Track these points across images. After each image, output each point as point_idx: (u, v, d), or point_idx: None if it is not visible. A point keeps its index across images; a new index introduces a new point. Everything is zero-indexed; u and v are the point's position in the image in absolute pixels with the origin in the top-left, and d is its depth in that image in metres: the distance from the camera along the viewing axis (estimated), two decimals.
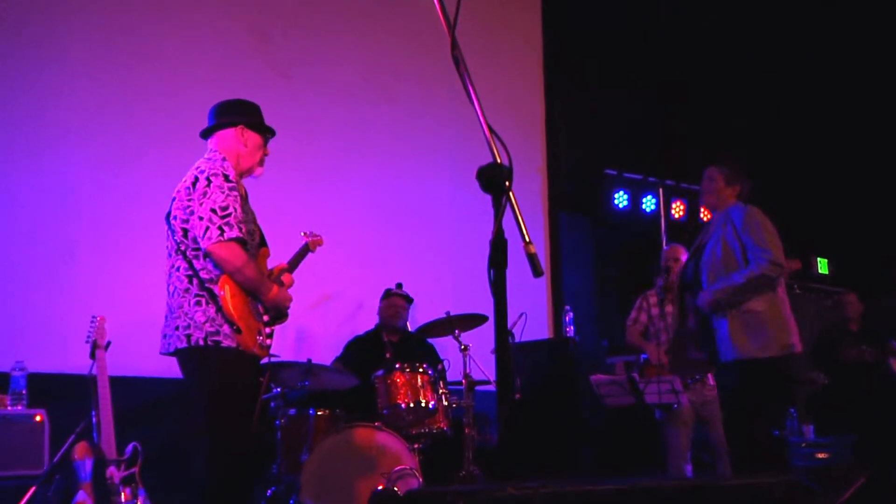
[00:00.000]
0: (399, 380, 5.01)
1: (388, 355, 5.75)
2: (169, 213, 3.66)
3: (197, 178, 3.57)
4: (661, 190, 8.55)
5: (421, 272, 6.83)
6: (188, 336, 3.51)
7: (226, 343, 3.49)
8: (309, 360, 4.89)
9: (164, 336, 3.63)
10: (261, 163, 3.85)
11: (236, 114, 3.83)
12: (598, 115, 8.35)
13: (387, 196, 6.98)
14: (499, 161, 2.11)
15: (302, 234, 4.42)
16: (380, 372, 5.10)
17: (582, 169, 8.47)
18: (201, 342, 3.48)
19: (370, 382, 5.14)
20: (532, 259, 2.07)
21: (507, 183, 2.07)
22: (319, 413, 4.98)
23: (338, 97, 6.84)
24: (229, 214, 3.49)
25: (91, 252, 5.71)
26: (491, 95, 7.10)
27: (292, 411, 4.99)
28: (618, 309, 7.61)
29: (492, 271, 2.05)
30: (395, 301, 5.97)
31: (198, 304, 3.52)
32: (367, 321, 6.19)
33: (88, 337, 4.62)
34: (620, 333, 6.33)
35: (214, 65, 6.28)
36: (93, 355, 4.58)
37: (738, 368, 4.35)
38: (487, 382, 5.41)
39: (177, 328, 3.54)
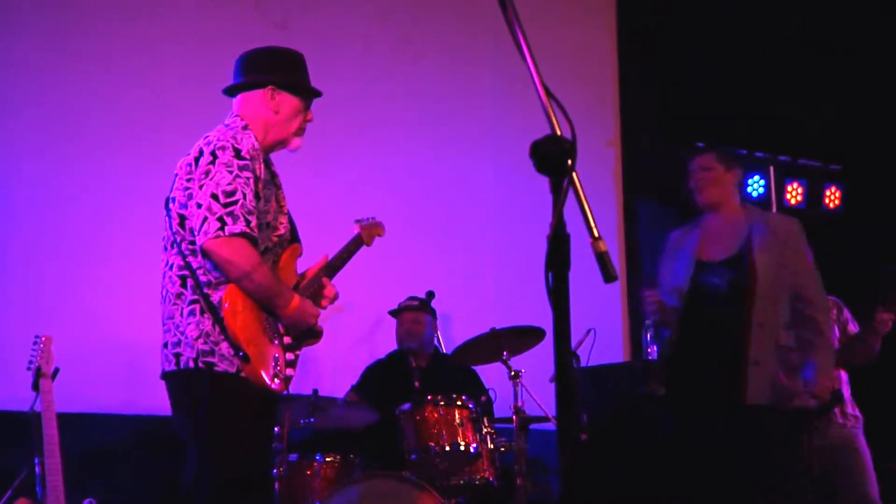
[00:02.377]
0: (431, 416, 5.04)
1: (416, 384, 5.78)
2: (168, 198, 3.58)
3: (201, 152, 3.47)
4: (771, 168, 8.49)
5: (458, 278, 6.85)
6: (177, 356, 3.44)
7: (221, 367, 3.38)
8: (315, 392, 4.94)
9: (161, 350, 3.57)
10: (298, 132, 3.75)
11: (265, 69, 3.72)
12: (686, 70, 8.31)
13: (411, 180, 7.01)
14: (558, 133, 2.12)
15: (355, 221, 4.30)
16: (406, 406, 5.13)
17: (667, 142, 8.43)
18: (191, 364, 3.39)
19: (394, 419, 5.17)
20: (602, 259, 2.07)
21: (569, 161, 2.08)
22: (328, 459, 5.02)
23: (346, 52, 6.88)
24: (235, 202, 3.36)
25: (30, 259, 5.82)
26: (548, 48, 7.14)
27: (293, 457, 5.04)
28: None
29: (550, 275, 2.06)
30: (407, 317, 6.01)
31: (191, 314, 3.42)
32: (389, 341, 6.22)
33: (30, 363, 4.68)
34: None
35: (195, 12, 6.37)
36: (36, 386, 4.64)
37: None
38: (546, 419, 5.42)
39: (165, 344, 3.49)
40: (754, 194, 8.45)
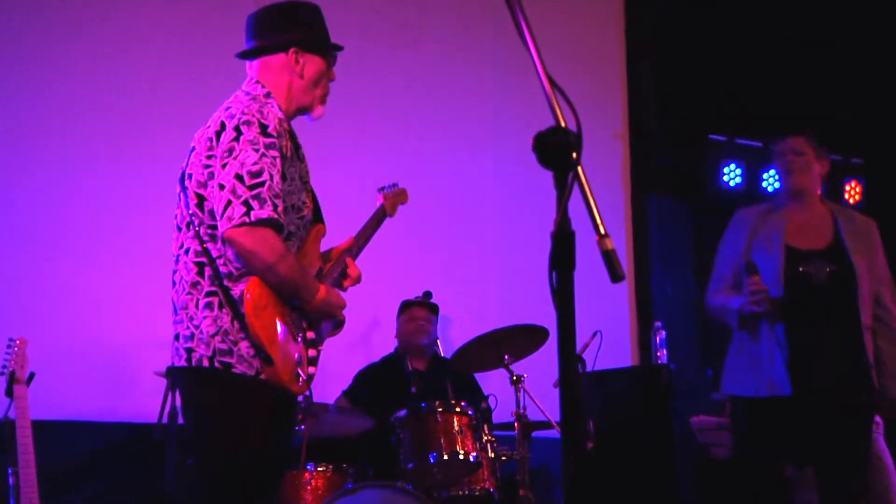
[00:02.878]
0: (428, 423, 5.04)
1: (413, 389, 5.79)
2: (184, 172, 3.43)
3: (223, 125, 3.31)
4: None
5: (456, 278, 6.86)
6: (188, 351, 3.31)
7: (240, 368, 3.25)
8: (306, 397, 4.93)
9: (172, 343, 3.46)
10: (323, 99, 3.60)
11: (285, 28, 3.54)
12: (699, 58, 8.32)
13: (406, 174, 6.96)
14: (563, 125, 2.13)
15: (378, 190, 4.17)
16: (402, 412, 5.13)
17: (678, 134, 8.44)
18: (205, 363, 3.27)
19: (389, 426, 5.17)
20: (609, 258, 2.08)
21: (574, 154, 2.09)
22: (320, 469, 5.03)
23: (339, 37, 6.86)
24: (262, 184, 3.19)
25: (4, 259, 5.83)
26: (552, 35, 7.15)
27: None
28: (728, 326, 7.57)
29: (554, 275, 2.07)
30: (416, 312, 6.02)
31: (208, 307, 3.29)
32: (385, 343, 6.23)
33: (4, 367, 4.68)
34: None
35: (194, 5, 6.40)
36: (9, 392, 4.64)
37: None
38: (549, 426, 5.43)
39: (176, 336, 3.36)
40: (770, 189, 8.46)
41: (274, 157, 3.26)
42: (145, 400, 5.55)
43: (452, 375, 5.90)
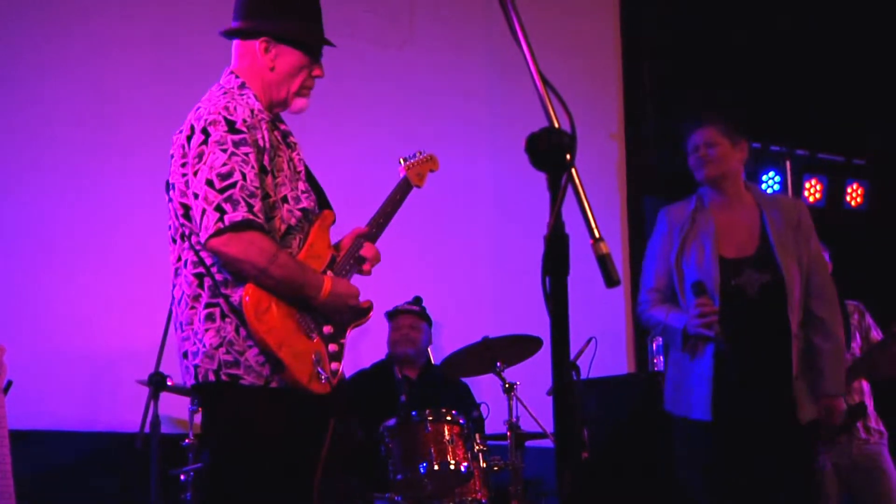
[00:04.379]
0: (418, 433, 5.04)
1: (403, 398, 5.79)
2: (167, 182, 3.35)
3: (193, 129, 3.22)
4: (788, 163, 8.52)
5: (448, 283, 6.86)
6: (195, 368, 3.21)
7: (248, 380, 3.18)
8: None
9: (180, 360, 3.36)
10: (301, 91, 3.46)
11: (263, 14, 3.39)
12: (696, 57, 8.33)
13: (395, 176, 7.00)
14: (557, 126, 2.13)
15: (400, 161, 3.98)
16: (391, 421, 5.13)
17: (674, 135, 8.44)
18: (211, 377, 3.18)
19: (378, 436, 5.17)
20: (604, 262, 2.08)
21: (568, 156, 2.09)
22: None
23: (329, 36, 6.87)
24: (233, 185, 3.12)
25: None
26: (545, 34, 7.14)
27: None
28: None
29: (547, 280, 2.07)
30: (405, 321, 6.01)
31: (209, 318, 3.20)
32: (374, 351, 6.23)
33: None
34: None
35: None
36: None
37: None
38: (543, 436, 5.43)
39: (184, 354, 3.26)
40: (769, 191, 8.47)
41: (246, 154, 3.18)
42: (126, 409, 5.56)
43: (443, 383, 5.90)
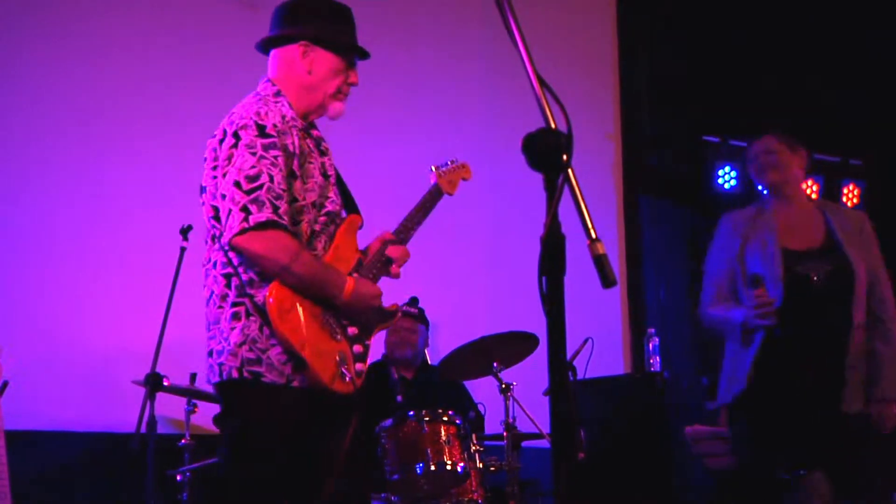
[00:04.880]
0: (415, 433, 5.03)
1: (399, 398, 5.78)
2: (201, 185, 3.45)
3: (225, 133, 3.32)
4: None
5: (444, 283, 6.86)
6: (220, 366, 3.29)
7: (269, 378, 3.24)
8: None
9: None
10: (338, 96, 3.55)
11: (298, 20, 3.51)
12: (692, 58, 8.34)
13: (395, 175, 7.01)
14: (553, 126, 2.13)
15: (432, 168, 4.04)
16: (388, 422, 5.12)
17: (672, 135, 8.45)
18: (234, 374, 3.25)
19: (374, 436, 5.17)
20: (600, 263, 2.08)
21: (564, 156, 2.09)
22: None
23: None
24: (260, 187, 3.20)
25: None
26: (542, 33, 7.11)
27: None
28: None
29: (544, 280, 2.07)
30: (403, 324, 6.00)
31: (235, 317, 3.28)
32: (372, 352, 6.22)
33: None
34: None
35: None
36: None
37: None
38: (540, 436, 5.42)
39: (210, 353, 3.35)
40: (766, 191, 8.47)
41: (274, 157, 3.26)
42: (123, 410, 5.55)
43: (439, 384, 5.90)
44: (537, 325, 2.12)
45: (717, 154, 8.42)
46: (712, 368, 7.72)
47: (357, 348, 3.41)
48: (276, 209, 3.20)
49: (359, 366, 3.40)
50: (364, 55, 3.61)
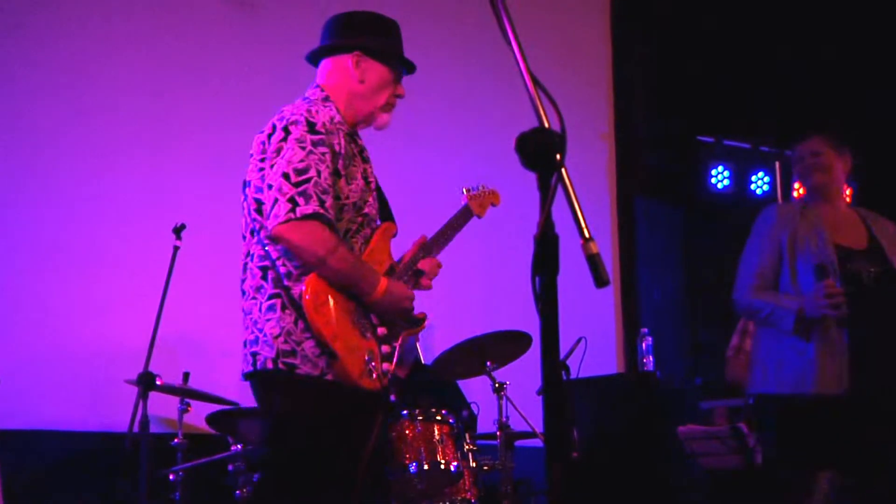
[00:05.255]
0: (408, 432, 5.03)
1: (392, 397, 5.78)
2: (245, 181, 3.52)
3: (274, 128, 3.41)
4: (777, 164, 8.53)
5: (437, 283, 6.84)
6: (254, 356, 3.36)
7: (304, 369, 3.31)
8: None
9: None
10: (386, 108, 3.67)
11: (352, 32, 3.63)
12: (687, 58, 8.34)
13: (386, 174, 7.00)
14: (547, 125, 2.13)
15: (463, 190, 4.20)
16: None
17: (665, 135, 8.46)
18: (269, 364, 3.32)
19: (354, 431, 5.16)
20: (594, 262, 2.08)
21: (558, 156, 2.09)
22: None
23: (318, 34, 6.87)
24: (308, 180, 3.28)
25: None
26: (536, 32, 7.11)
27: (258, 476, 5.03)
28: (716, 333, 7.60)
29: (537, 280, 2.07)
30: None
31: (271, 309, 3.35)
32: None
33: None
34: (720, 367, 6.32)
35: None
36: None
37: None
38: (533, 435, 5.43)
39: (244, 343, 3.42)
40: (759, 192, 8.49)
41: (322, 154, 3.34)
42: (116, 409, 5.54)
43: (433, 383, 5.90)
44: (531, 324, 2.11)
45: (710, 154, 8.43)
46: (705, 368, 7.74)
47: (385, 348, 3.47)
48: (322, 203, 3.28)
49: (385, 365, 3.46)
50: (411, 69, 3.72)
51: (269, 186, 3.31)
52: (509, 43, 2.19)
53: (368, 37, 3.63)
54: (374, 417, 3.50)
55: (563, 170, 2.08)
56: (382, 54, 3.62)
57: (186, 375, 5.31)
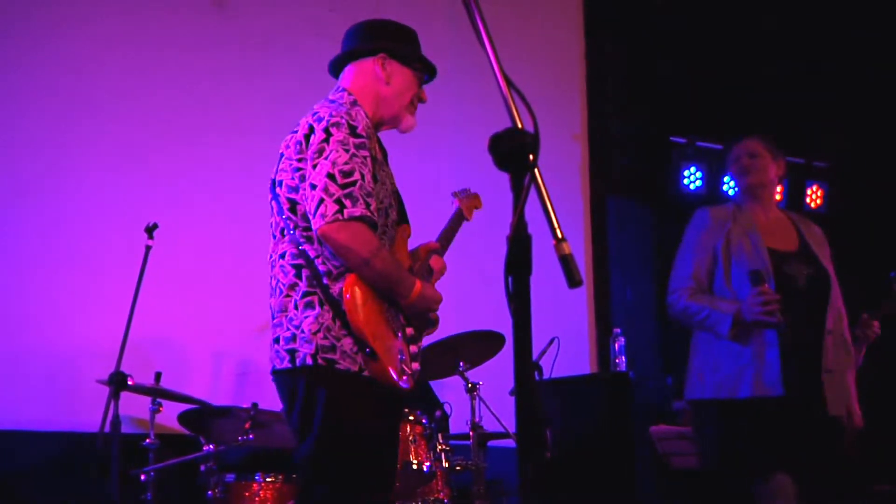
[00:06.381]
0: None
1: None
2: (274, 180, 3.55)
3: (312, 129, 3.44)
4: None
5: None
6: (291, 353, 3.39)
7: (343, 365, 3.36)
8: (254, 406, 4.91)
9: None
10: (411, 110, 3.76)
11: (377, 37, 3.72)
12: (659, 59, 8.37)
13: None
14: (520, 125, 2.14)
15: (452, 195, 4.34)
16: None
17: (638, 136, 8.48)
18: (308, 360, 3.36)
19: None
20: (566, 262, 2.09)
21: (531, 156, 2.10)
22: (268, 479, 5.00)
23: (293, 34, 6.86)
24: (353, 183, 3.33)
25: None
26: (509, 34, 7.11)
27: (230, 477, 5.02)
28: (688, 333, 7.61)
29: (510, 280, 2.07)
30: None
31: (308, 306, 3.39)
32: None
33: None
34: None
35: None
36: None
37: None
38: (506, 435, 5.43)
39: (276, 339, 3.44)
40: (731, 192, 8.52)
41: (364, 157, 3.39)
42: (86, 409, 5.50)
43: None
44: (503, 324, 2.11)
45: (682, 155, 8.46)
46: (678, 368, 7.76)
47: (413, 349, 3.56)
48: (368, 206, 3.33)
49: (415, 365, 3.55)
50: (433, 73, 3.81)
51: (313, 186, 3.34)
52: (483, 43, 2.19)
53: (391, 41, 3.71)
54: (400, 416, 3.67)
55: (536, 170, 2.09)
56: (406, 57, 3.70)
57: (158, 375, 5.28)
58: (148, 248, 5.32)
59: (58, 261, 5.96)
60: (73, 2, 6.27)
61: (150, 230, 5.34)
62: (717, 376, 4.59)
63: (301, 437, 3.45)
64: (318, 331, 3.35)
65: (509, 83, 2.16)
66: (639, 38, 8.40)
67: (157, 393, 5.25)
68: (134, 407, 5.43)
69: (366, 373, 3.37)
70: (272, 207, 3.54)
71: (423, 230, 7.10)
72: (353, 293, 3.34)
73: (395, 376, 3.39)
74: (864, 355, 5.19)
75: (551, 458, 5.83)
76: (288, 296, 3.42)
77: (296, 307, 3.40)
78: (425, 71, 3.79)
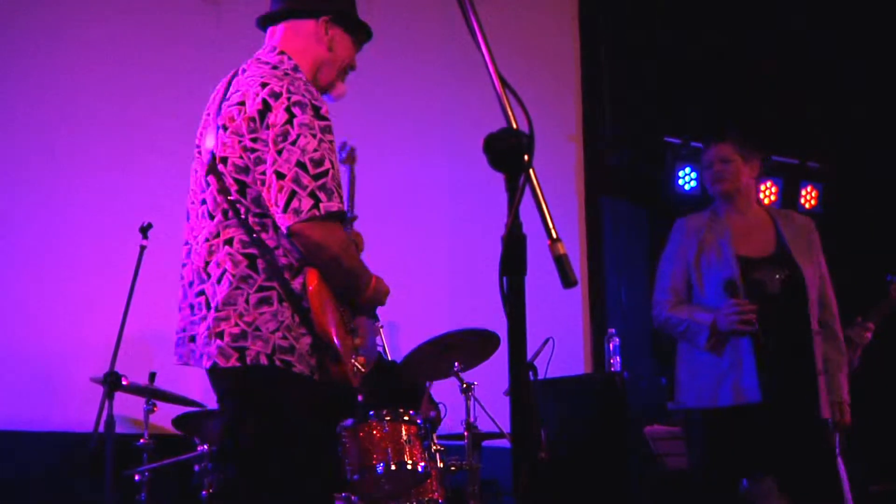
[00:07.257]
0: (375, 432, 5.02)
1: (360, 397, 5.77)
2: (214, 154, 3.26)
3: (266, 104, 3.17)
4: None
5: (404, 283, 6.84)
6: (241, 350, 3.14)
7: (298, 367, 3.17)
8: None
9: (183, 341, 3.30)
10: (342, 77, 3.54)
11: None
12: (654, 60, 8.37)
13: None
14: (514, 126, 2.14)
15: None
16: (348, 422, 5.11)
17: (633, 136, 8.48)
18: (262, 360, 3.13)
19: (334, 436, 5.16)
20: (561, 263, 2.09)
21: (526, 157, 2.10)
22: None
23: None
24: (325, 173, 3.12)
25: None
26: (504, 34, 7.10)
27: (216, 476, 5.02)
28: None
29: (505, 280, 2.07)
30: None
31: (264, 301, 3.15)
32: None
33: None
34: None
35: None
36: None
37: None
38: (501, 436, 5.43)
39: (219, 334, 3.16)
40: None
41: (331, 142, 3.19)
42: (81, 408, 5.51)
43: (401, 383, 5.89)
44: (498, 324, 2.11)
45: (677, 155, 8.45)
46: (672, 369, 7.76)
47: (358, 341, 3.37)
48: (341, 198, 3.15)
49: (361, 359, 3.36)
50: (369, 36, 3.59)
51: (280, 175, 3.10)
52: (478, 44, 2.19)
53: (335, 3, 3.46)
54: (348, 413, 3.44)
55: (530, 170, 2.09)
56: (349, 23, 3.49)
57: (152, 375, 5.28)
58: (142, 248, 5.32)
59: (52, 261, 5.95)
60: (68, 3, 6.27)
61: (144, 230, 5.34)
62: (698, 385, 4.66)
63: (242, 438, 3.25)
64: (277, 329, 3.14)
65: (504, 83, 2.15)
66: (634, 39, 8.40)
67: (151, 393, 5.25)
68: (128, 407, 5.43)
69: (316, 376, 3.20)
70: (207, 182, 3.26)
71: (418, 228, 7.12)
72: (316, 289, 3.16)
73: (350, 377, 3.25)
74: (860, 357, 5.21)
75: (546, 458, 5.83)
76: (238, 288, 3.15)
77: (247, 301, 3.14)
78: (365, 38, 3.57)
